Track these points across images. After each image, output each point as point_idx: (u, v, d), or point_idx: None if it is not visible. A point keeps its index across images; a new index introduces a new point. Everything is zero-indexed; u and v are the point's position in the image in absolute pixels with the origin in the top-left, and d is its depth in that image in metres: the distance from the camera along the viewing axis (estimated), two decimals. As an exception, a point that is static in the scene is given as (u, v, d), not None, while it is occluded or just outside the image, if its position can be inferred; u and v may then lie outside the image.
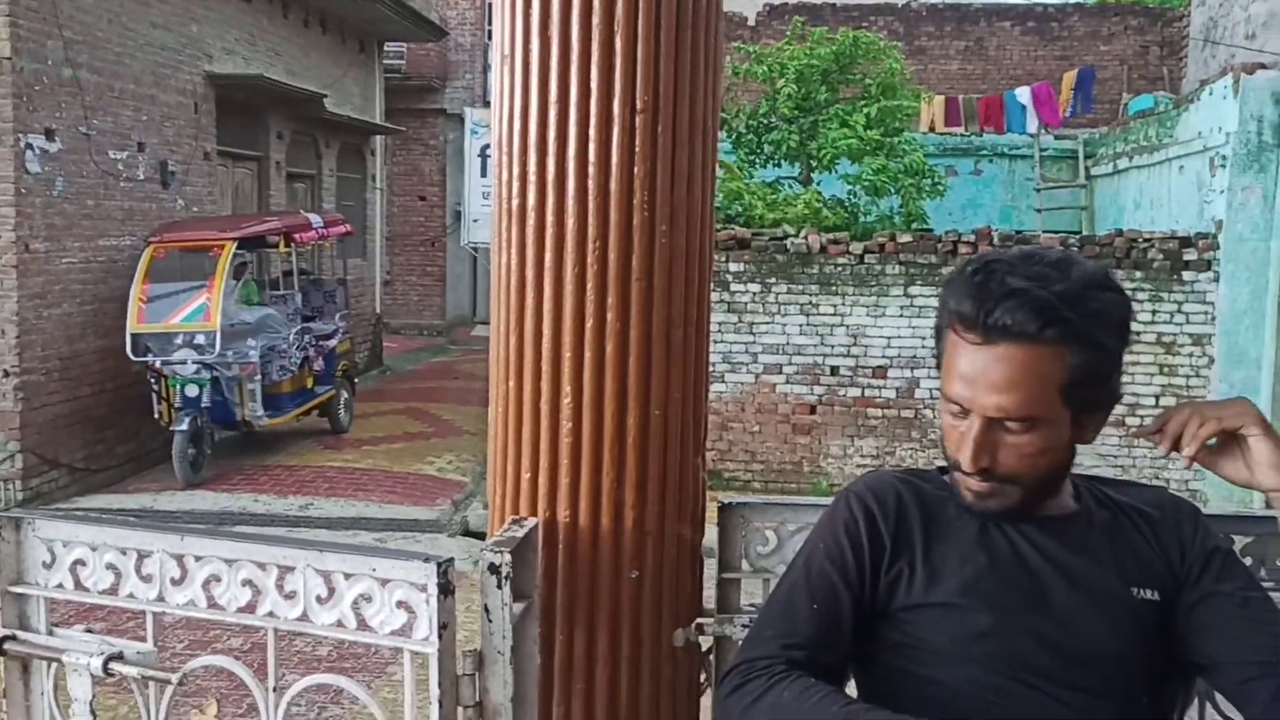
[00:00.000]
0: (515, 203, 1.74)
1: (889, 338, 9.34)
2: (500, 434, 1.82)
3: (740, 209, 10.19)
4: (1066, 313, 1.33)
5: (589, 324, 1.72)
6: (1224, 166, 8.64)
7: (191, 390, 8.94)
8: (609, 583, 1.74)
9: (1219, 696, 1.83)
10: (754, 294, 9.47)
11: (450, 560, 1.54)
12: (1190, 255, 8.83)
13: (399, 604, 1.56)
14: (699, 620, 1.82)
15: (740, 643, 1.63)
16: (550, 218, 1.72)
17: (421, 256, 20.24)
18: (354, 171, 15.63)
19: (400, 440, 11.07)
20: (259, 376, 9.39)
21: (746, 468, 9.58)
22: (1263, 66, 9.05)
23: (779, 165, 11.40)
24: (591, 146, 1.69)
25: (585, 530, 1.74)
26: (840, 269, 9.36)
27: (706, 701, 1.92)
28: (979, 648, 1.41)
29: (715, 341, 9.38)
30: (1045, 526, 1.48)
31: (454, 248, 19.35)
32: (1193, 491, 8.22)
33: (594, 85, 1.68)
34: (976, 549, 1.47)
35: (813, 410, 9.53)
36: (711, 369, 9.28)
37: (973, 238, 9.26)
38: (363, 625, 1.58)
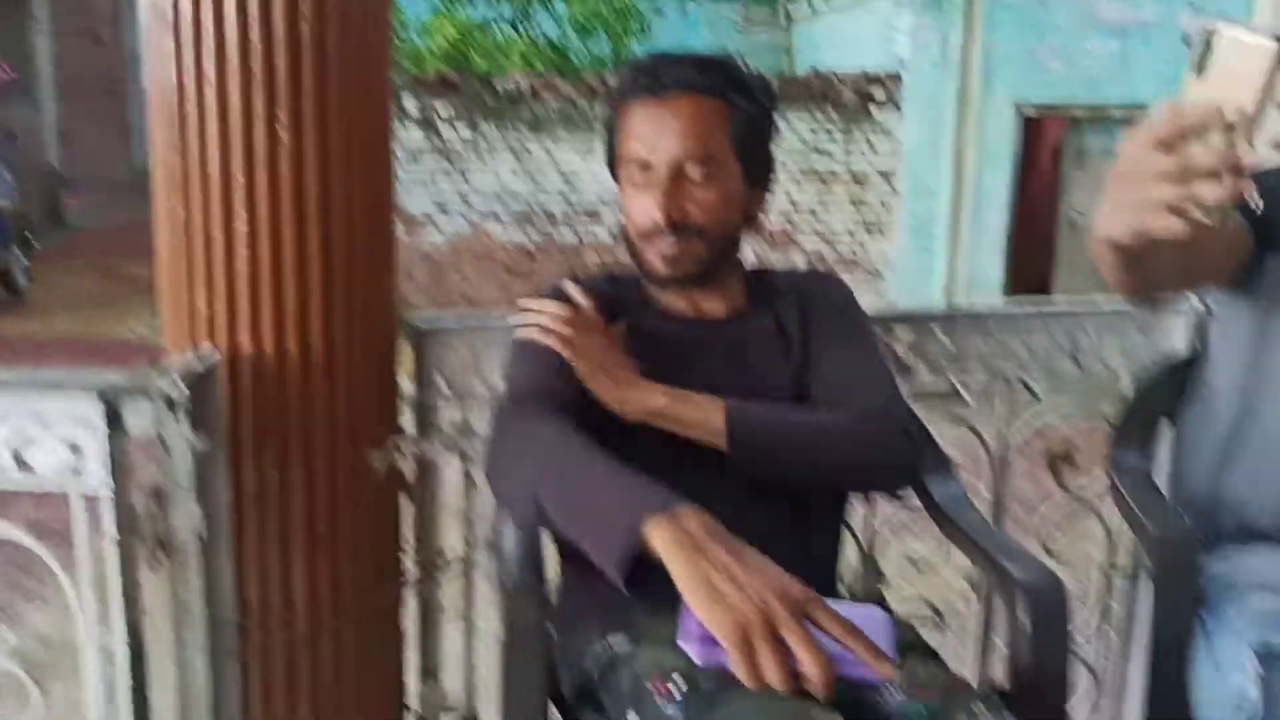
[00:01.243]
0: (166, 5, 1.59)
1: (602, 180, 9.39)
2: (170, 263, 1.70)
3: (457, 59, 9.84)
4: (724, 66, 1.53)
5: (260, 142, 1.62)
6: (907, 8, 9.07)
7: None
8: (298, 411, 1.69)
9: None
10: (465, 139, 9.25)
11: (120, 389, 1.45)
12: (879, 94, 9.31)
13: (66, 443, 1.46)
14: (395, 440, 1.81)
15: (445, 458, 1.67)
16: (209, 25, 1.59)
17: (100, 104, 18.41)
18: (11, 11, 13.93)
19: (90, 305, 10.26)
20: (-87, 240, 8.42)
21: (466, 315, 9.51)
22: (942, -90, 9.48)
23: (491, 5, 11.02)
24: (248, -55, 1.56)
25: (271, 358, 1.67)
26: (551, 112, 9.28)
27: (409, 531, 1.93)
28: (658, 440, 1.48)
29: (427, 186, 9.16)
30: (721, 327, 1.57)
31: (137, 92, 17.74)
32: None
33: (246, -124, 1.54)
34: (659, 345, 1.53)
35: (530, 256, 9.54)
36: (427, 217, 9.18)
37: (679, 78, 9.33)
38: (25, 469, 1.47)
